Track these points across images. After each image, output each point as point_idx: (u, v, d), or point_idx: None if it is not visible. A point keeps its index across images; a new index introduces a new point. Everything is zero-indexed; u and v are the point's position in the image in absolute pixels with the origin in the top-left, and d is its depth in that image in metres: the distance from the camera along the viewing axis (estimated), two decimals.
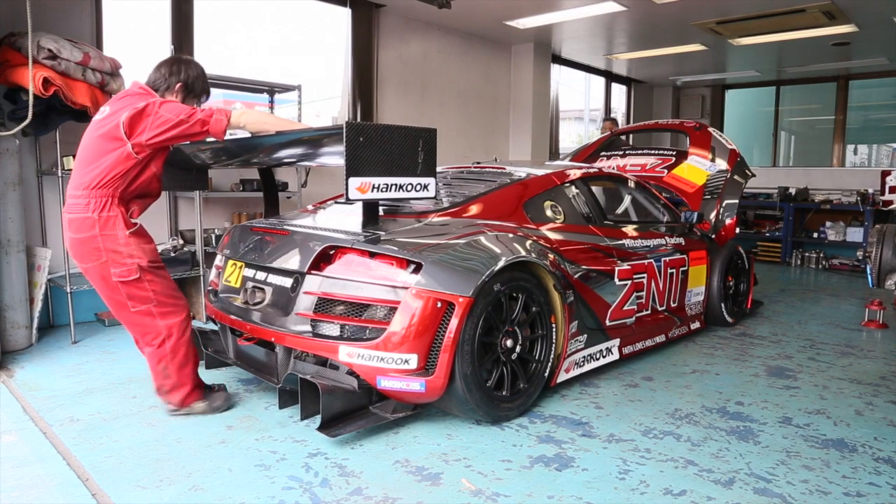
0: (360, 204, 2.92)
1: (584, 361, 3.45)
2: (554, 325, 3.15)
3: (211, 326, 3.72)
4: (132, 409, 3.05)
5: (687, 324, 4.45)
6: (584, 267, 3.43)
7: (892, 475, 2.48)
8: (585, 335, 3.44)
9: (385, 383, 2.67)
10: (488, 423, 2.91)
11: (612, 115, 8.02)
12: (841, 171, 9.78)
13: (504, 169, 4.00)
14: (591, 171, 4.22)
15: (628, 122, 10.98)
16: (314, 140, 3.05)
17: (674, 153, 5.54)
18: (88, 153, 2.74)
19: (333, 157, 3.15)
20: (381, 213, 3.16)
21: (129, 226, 2.76)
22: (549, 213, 3.58)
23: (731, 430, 2.89)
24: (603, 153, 6.08)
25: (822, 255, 8.52)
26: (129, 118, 2.64)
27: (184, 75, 2.89)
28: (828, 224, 8.52)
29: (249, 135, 3.01)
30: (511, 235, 3.12)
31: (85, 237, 2.70)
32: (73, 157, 4.25)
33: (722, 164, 5.21)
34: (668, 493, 2.31)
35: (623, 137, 6.44)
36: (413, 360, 2.63)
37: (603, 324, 3.58)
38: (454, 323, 2.65)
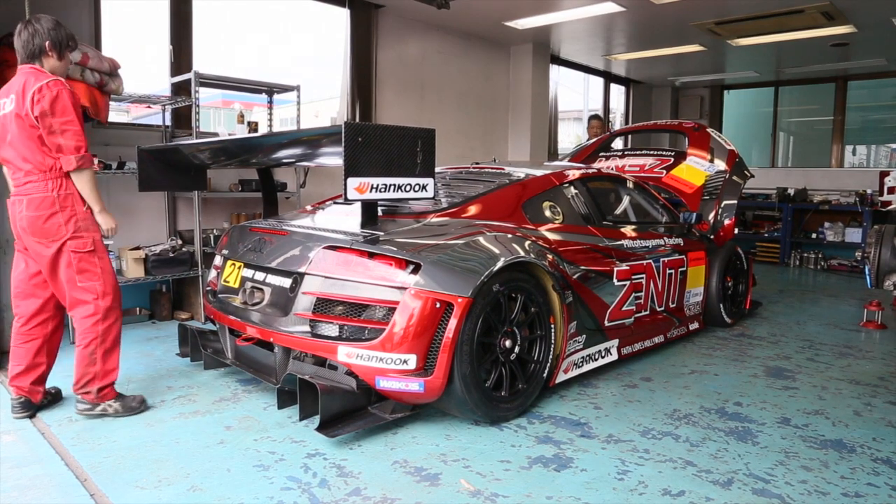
0: (358, 204, 2.92)
1: (582, 362, 3.45)
2: (553, 326, 3.15)
3: (209, 327, 3.72)
4: None
5: (686, 324, 4.46)
6: (582, 267, 3.43)
7: (891, 476, 2.48)
8: (584, 336, 3.44)
9: (384, 383, 2.67)
10: (487, 424, 2.91)
11: (598, 114, 7.88)
12: (839, 171, 9.79)
13: (503, 169, 4.01)
14: (590, 171, 4.23)
15: (627, 122, 10.99)
16: (313, 140, 3.06)
17: (672, 154, 5.54)
18: (22, 138, 2.77)
19: (332, 157, 3.15)
20: (379, 213, 3.16)
21: (83, 202, 2.86)
22: (547, 213, 3.58)
23: (729, 431, 2.89)
24: (602, 153, 6.08)
25: (820, 255, 8.53)
26: (40, 115, 2.71)
27: (47, 34, 2.83)
28: (826, 225, 8.53)
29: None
30: (510, 236, 3.13)
31: (45, 214, 2.78)
32: None
33: (721, 164, 5.22)
34: (666, 494, 2.31)
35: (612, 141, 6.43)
36: (412, 361, 2.63)
37: (602, 324, 3.58)
38: (453, 323, 2.65)
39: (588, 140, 7.27)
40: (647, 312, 4.01)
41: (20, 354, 2.97)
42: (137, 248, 4.62)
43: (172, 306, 5.05)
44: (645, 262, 3.94)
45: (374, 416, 2.78)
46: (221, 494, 2.27)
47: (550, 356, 3.15)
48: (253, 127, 5.39)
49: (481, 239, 2.97)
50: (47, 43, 2.83)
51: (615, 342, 3.69)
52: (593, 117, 7.83)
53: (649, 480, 2.41)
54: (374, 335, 2.67)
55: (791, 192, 8.83)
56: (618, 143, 6.79)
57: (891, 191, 6.42)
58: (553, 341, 3.16)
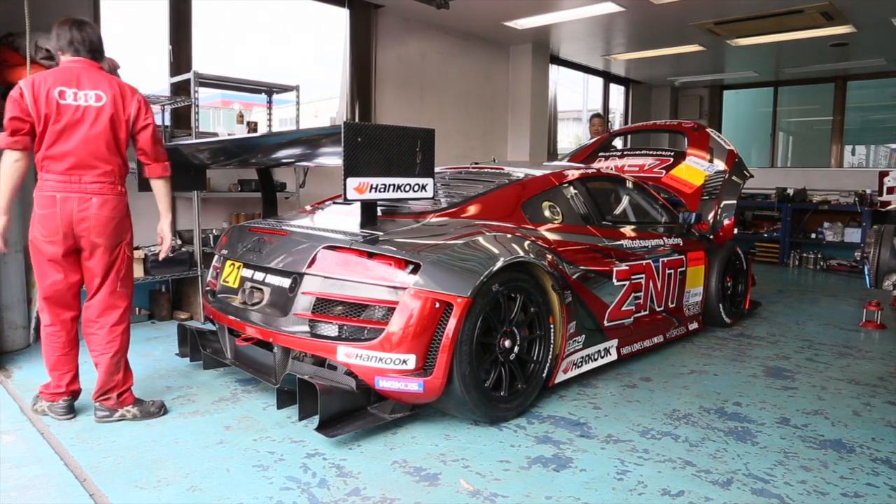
0: (358, 204, 2.92)
1: (582, 362, 3.45)
2: (552, 326, 3.15)
3: (209, 327, 3.72)
4: None
5: (685, 324, 4.46)
6: (582, 267, 3.43)
7: (890, 476, 2.48)
8: (583, 336, 3.44)
9: (383, 384, 2.67)
10: (486, 424, 2.91)
11: (599, 113, 7.86)
12: (839, 171, 9.79)
13: (502, 169, 4.01)
14: (590, 171, 4.23)
15: (626, 122, 10.99)
16: (312, 140, 3.06)
17: (672, 154, 5.55)
18: (106, 139, 2.77)
19: (332, 157, 3.15)
20: (379, 213, 3.16)
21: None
22: (547, 213, 3.58)
23: (729, 431, 2.89)
24: (601, 154, 6.08)
25: (820, 255, 8.53)
26: (150, 125, 2.88)
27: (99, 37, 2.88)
28: (826, 225, 8.53)
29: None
30: (509, 236, 3.13)
31: (119, 216, 2.85)
32: None
33: (720, 164, 5.22)
34: (666, 494, 2.31)
35: (615, 140, 6.43)
36: (411, 361, 2.63)
37: (601, 324, 3.58)
38: (452, 323, 2.65)
39: (591, 138, 7.28)
40: (647, 312, 4.01)
41: (68, 361, 2.93)
42: (137, 248, 4.62)
43: (172, 306, 5.05)
44: (644, 262, 3.94)
45: (374, 416, 2.78)
46: (221, 494, 2.27)
47: (550, 356, 3.15)
48: (252, 127, 5.39)
49: (481, 239, 2.97)
50: (103, 47, 2.89)
51: (614, 342, 3.69)
52: (595, 116, 7.83)
53: (649, 480, 2.42)
54: (373, 335, 2.67)
55: (790, 192, 8.83)
56: (617, 143, 6.79)
57: (890, 191, 6.42)
58: (552, 341, 3.16)
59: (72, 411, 2.95)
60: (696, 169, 5.24)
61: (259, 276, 3.18)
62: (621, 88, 10.96)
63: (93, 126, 2.73)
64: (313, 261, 2.87)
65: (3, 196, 2.73)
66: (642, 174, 5.36)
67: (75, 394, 2.99)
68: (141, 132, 2.87)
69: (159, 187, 3.01)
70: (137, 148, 2.91)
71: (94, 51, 2.83)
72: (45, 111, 2.68)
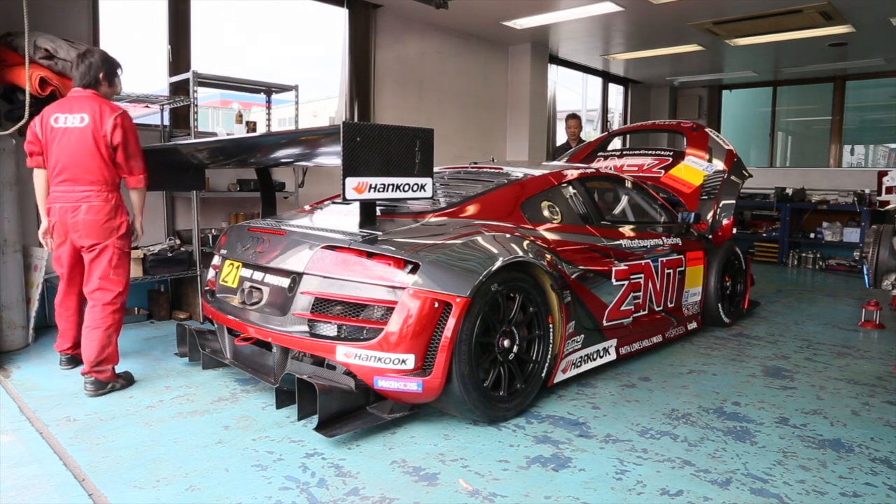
0: (357, 204, 2.92)
1: (581, 362, 3.45)
2: (551, 326, 3.15)
3: (208, 326, 3.72)
4: (129, 409, 3.05)
5: (684, 324, 4.46)
6: (581, 267, 3.43)
7: (889, 475, 2.48)
8: (582, 335, 3.44)
9: (382, 383, 2.67)
10: (485, 424, 2.91)
11: (575, 113, 7.56)
12: (838, 171, 9.80)
13: (501, 169, 4.01)
14: (589, 171, 4.23)
15: (625, 122, 10.99)
16: (311, 140, 3.06)
17: (671, 154, 5.55)
18: (89, 155, 3.23)
19: (331, 157, 3.16)
20: (378, 213, 3.16)
21: (128, 212, 3.42)
22: (546, 213, 3.58)
23: (727, 431, 2.90)
24: (600, 153, 6.08)
25: (818, 255, 8.54)
26: (121, 141, 3.24)
27: (101, 66, 3.32)
28: (825, 224, 8.54)
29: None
30: (508, 236, 3.13)
31: (104, 220, 3.27)
32: None
33: (719, 164, 5.22)
34: (664, 494, 2.31)
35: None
36: (410, 361, 2.63)
37: (600, 324, 3.58)
38: (451, 323, 2.65)
39: (567, 140, 7.26)
40: (646, 312, 4.01)
41: (74, 325, 3.54)
42: (136, 248, 4.62)
43: (171, 306, 5.04)
44: (643, 261, 3.95)
45: (373, 416, 2.78)
46: (220, 494, 2.27)
47: (549, 356, 3.15)
48: (251, 127, 5.38)
49: (480, 239, 2.97)
50: (101, 74, 3.31)
51: (613, 342, 3.70)
52: (570, 116, 7.57)
53: (647, 480, 2.42)
54: (372, 335, 2.67)
55: (789, 191, 8.83)
56: (616, 143, 6.79)
57: (889, 190, 6.43)
58: (551, 341, 3.16)
59: (72, 363, 3.61)
60: (694, 169, 5.24)
61: (258, 275, 3.18)
62: (620, 88, 10.97)
63: (77, 144, 3.21)
64: (312, 261, 2.87)
65: (39, 204, 3.43)
66: (641, 174, 5.36)
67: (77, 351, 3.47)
68: (116, 148, 3.27)
69: (134, 195, 3.44)
70: (114, 161, 3.29)
71: (90, 82, 3.30)
72: (45, 136, 3.28)
